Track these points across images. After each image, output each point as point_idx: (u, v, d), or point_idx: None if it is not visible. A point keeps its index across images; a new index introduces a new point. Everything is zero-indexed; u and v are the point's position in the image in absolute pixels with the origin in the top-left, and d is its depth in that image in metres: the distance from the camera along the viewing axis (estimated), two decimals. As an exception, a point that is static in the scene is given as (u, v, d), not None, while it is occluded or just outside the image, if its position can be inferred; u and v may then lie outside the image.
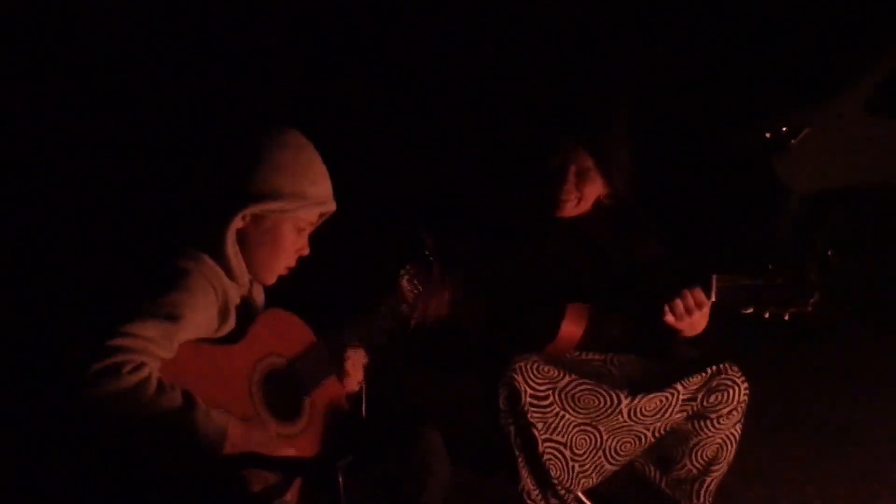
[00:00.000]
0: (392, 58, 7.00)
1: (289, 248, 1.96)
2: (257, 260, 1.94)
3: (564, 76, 6.05)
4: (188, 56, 6.18)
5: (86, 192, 5.07)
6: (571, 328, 2.49)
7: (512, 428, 2.43)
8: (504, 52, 6.99)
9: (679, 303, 2.29)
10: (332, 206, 1.99)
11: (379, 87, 6.92)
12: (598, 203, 2.54)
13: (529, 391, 2.39)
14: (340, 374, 2.14)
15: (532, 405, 2.40)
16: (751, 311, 2.23)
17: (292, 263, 1.99)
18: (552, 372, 2.43)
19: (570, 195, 2.47)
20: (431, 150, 6.36)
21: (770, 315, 2.20)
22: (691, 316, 2.30)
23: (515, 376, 2.38)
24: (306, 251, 1.99)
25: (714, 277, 2.25)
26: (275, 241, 1.93)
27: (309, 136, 2.00)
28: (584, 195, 2.49)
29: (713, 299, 2.28)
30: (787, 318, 2.21)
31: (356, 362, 2.17)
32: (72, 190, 5.10)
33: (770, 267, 2.20)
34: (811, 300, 2.17)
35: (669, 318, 2.32)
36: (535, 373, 2.41)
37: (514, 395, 2.38)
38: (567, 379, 2.44)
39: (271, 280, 2.00)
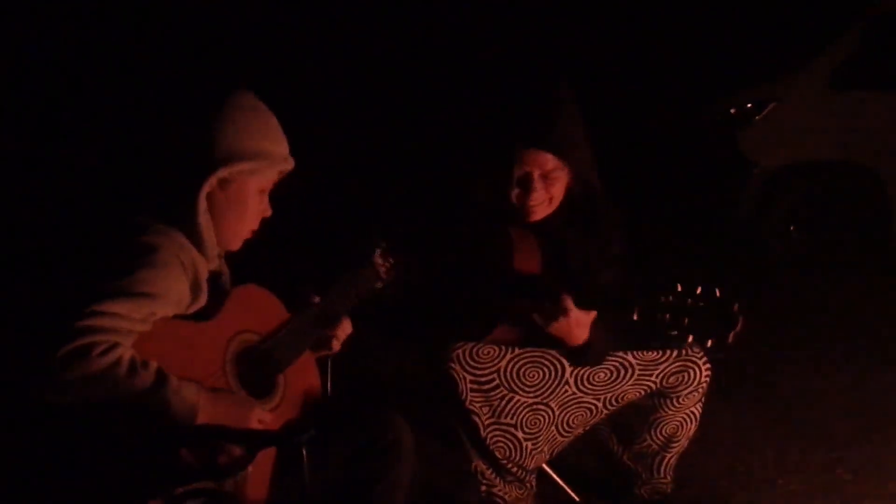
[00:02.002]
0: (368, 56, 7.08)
1: (254, 211, 1.97)
2: (225, 226, 1.94)
3: (507, 80, 6.07)
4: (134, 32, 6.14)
5: (51, 174, 5.03)
6: (509, 327, 2.47)
7: (453, 415, 2.45)
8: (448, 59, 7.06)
9: (544, 307, 2.29)
10: (291, 164, 2.00)
11: (358, 75, 6.99)
12: (567, 195, 2.47)
13: (469, 377, 2.41)
14: (325, 339, 2.14)
15: (473, 391, 2.42)
16: (675, 333, 2.22)
17: (256, 226, 2.01)
18: (492, 352, 2.44)
19: (540, 201, 2.41)
20: (405, 145, 6.41)
21: (692, 341, 2.20)
22: (556, 320, 2.30)
23: (452, 365, 2.40)
24: (269, 212, 2.01)
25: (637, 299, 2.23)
26: (241, 204, 1.94)
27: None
28: (553, 195, 2.43)
29: (635, 318, 2.26)
30: (709, 345, 2.21)
31: (341, 333, 2.16)
32: (37, 172, 5.06)
33: (698, 291, 2.16)
34: (732, 332, 2.13)
35: (536, 318, 2.32)
36: (474, 357, 2.42)
37: (452, 383, 2.40)
38: (508, 356, 2.46)
39: (238, 245, 2.01)
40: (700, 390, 2.56)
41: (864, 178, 5.21)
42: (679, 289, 2.17)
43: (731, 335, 2.13)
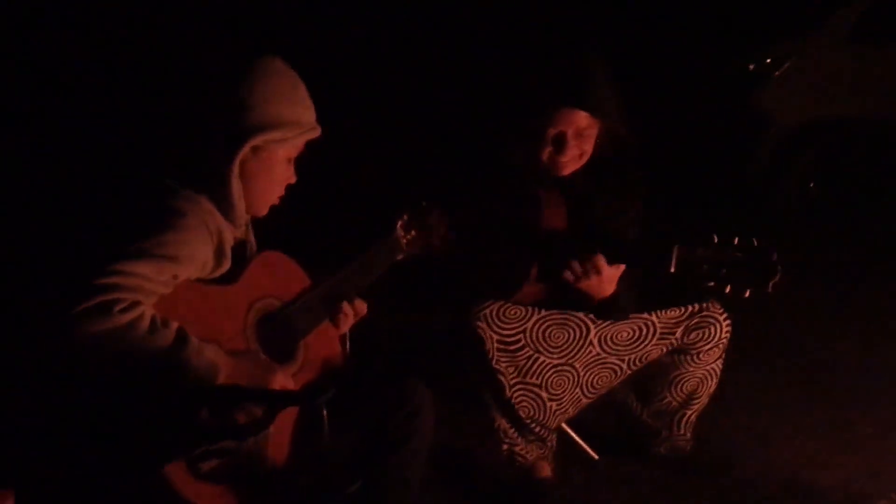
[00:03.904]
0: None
1: (281, 178, 1.97)
2: (254, 192, 1.94)
3: (538, 44, 6.01)
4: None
5: (80, 137, 5.06)
6: (536, 285, 2.48)
7: (478, 374, 2.45)
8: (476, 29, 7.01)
9: (576, 265, 2.32)
10: (318, 132, 1.99)
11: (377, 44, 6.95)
12: (596, 150, 2.46)
13: (496, 336, 2.41)
14: (337, 317, 2.12)
15: (500, 350, 2.42)
16: (712, 284, 2.23)
17: (282, 193, 2.01)
18: (519, 312, 2.44)
19: (571, 157, 2.40)
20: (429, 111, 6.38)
21: (730, 291, 2.20)
22: (588, 278, 2.33)
23: (479, 324, 2.39)
24: (294, 179, 2.00)
25: (675, 248, 2.24)
26: (269, 171, 1.93)
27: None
28: (585, 150, 2.42)
29: (672, 270, 2.27)
30: (747, 295, 2.21)
31: (354, 311, 2.14)
32: (68, 135, 5.09)
33: (735, 241, 2.18)
34: (772, 281, 2.14)
35: (568, 276, 2.34)
36: (502, 317, 2.42)
37: (479, 342, 2.40)
38: (535, 317, 2.46)
39: (265, 211, 2.01)
40: (721, 346, 2.56)
41: (884, 134, 5.14)
42: (716, 240, 2.17)
43: (771, 284, 2.13)
